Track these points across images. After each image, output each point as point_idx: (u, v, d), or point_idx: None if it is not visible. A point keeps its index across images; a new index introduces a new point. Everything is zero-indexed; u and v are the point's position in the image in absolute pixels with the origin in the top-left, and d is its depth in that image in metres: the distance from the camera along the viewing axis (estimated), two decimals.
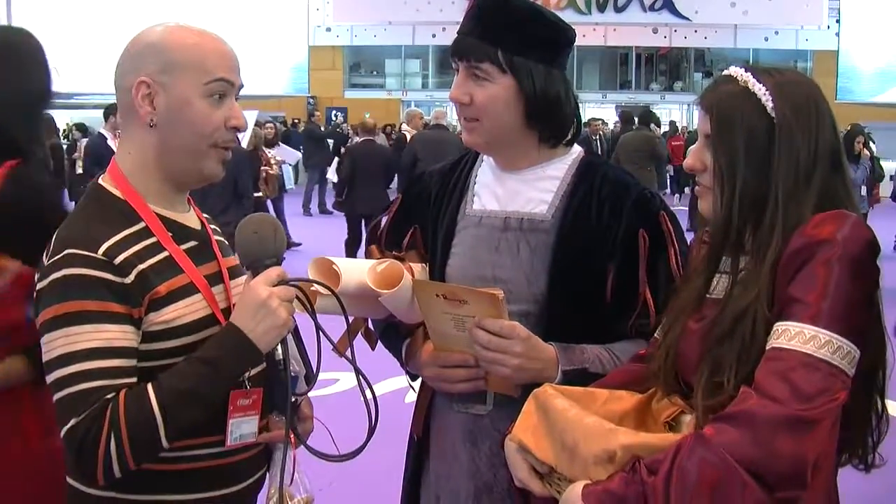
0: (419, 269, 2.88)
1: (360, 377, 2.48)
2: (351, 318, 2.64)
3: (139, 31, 2.45)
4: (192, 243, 2.48)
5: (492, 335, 2.56)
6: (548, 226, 2.80)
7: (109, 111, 13.73)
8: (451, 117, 18.79)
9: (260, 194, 16.09)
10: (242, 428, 2.45)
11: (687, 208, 19.68)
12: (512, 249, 2.81)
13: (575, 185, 2.83)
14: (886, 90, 35.95)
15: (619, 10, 38.50)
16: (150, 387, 2.20)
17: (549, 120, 2.78)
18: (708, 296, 2.37)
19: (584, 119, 20.07)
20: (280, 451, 2.57)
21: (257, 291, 2.30)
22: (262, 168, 16.65)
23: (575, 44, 2.92)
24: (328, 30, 41.45)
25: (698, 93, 2.41)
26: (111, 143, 13.49)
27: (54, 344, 2.20)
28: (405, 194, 3.18)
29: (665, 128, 26.47)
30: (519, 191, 2.86)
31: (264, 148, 17.35)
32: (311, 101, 40.01)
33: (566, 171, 2.86)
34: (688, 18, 38.46)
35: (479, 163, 3.01)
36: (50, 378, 2.22)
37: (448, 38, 2.92)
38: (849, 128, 14.55)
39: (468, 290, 2.58)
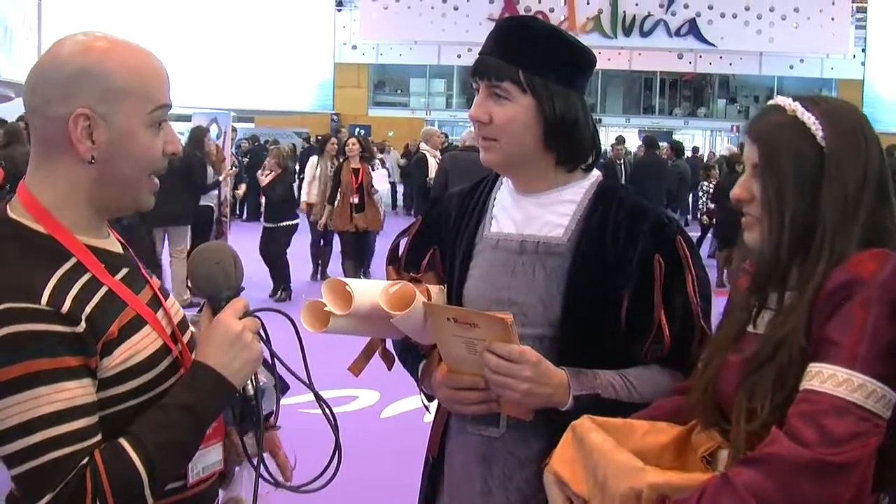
0: (437, 290, 2.88)
1: (322, 403, 2.44)
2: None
3: (58, 42, 2.19)
4: (125, 270, 2.26)
5: (501, 359, 2.56)
6: (563, 249, 2.80)
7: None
8: None
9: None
10: (205, 459, 2.35)
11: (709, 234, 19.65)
12: (527, 273, 2.81)
13: (591, 209, 2.83)
14: None
15: (644, 34, 38.54)
16: (125, 444, 2.03)
17: (567, 142, 2.78)
18: (750, 330, 2.35)
19: (604, 143, 20.21)
20: (242, 468, 2.58)
21: (231, 325, 2.19)
22: (350, 198, 14.34)
23: (600, 67, 2.88)
24: (354, 47, 41.68)
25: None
26: None
27: (7, 412, 1.96)
28: (425, 216, 3.18)
29: (688, 153, 26.42)
30: (536, 214, 2.86)
31: (366, 166, 15.07)
32: (334, 118, 39.97)
33: (583, 195, 2.86)
34: (713, 45, 38.46)
35: (497, 185, 3.02)
36: (5, 451, 1.99)
37: (474, 58, 2.96)
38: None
39: (478, 314, 2.58)
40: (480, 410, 2.76)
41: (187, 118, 19.26)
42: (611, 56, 37.02)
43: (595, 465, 2.26)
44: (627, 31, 38.82)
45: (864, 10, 38.63)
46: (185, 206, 13.28)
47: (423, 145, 18.68)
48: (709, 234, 18.66)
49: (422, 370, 2.98)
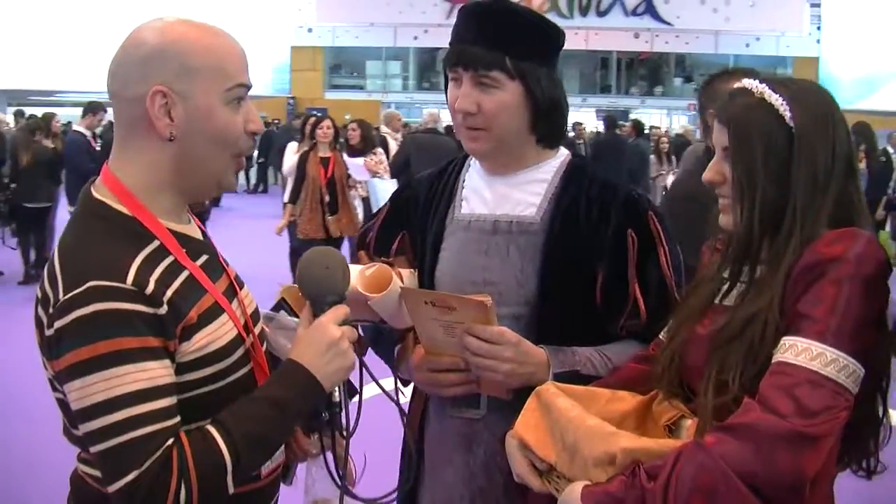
0: (408, 274, 2.87)
1: (404, 417, 2.50)
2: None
3: (136, 28, 2.21)
4: (205, 257, 2.31)
5: (482, 341, 2.56)
6: (537, 228, 2.81)
7: (89, 108, 13.39)
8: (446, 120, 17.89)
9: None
10: None
11: None
12: (501, 252, 2.82)
13: (563, 187, 2.85)
14: (866, 97, 35.89)
15: (601, 14, 38.57)
16: (213, 430, 2.06)
17: (553, 123, 2.81)
18: (718, 303, 2.40)
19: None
20: (311, 466, 2.62)
21: (330, 331, 2.22)
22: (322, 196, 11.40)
23: None
24: (310, 30, 41.27)
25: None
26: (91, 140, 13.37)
27: (91, 389, 1.98)
28: (393, 200, 3.18)
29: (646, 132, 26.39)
30: (507, 194, 2.87)
31: (337, 154, 11.98)
32: (290, 101, 39.91)
33: (553, 174, 2.88)
34: (670, 24, 38.56)
35: (466, 168, 3.03)
36: (88, 427, 2.00)
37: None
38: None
39: (456, 298, 2.58)
40: (460, 391, 2.77)
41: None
42: (567, 36, 36.89)
43: (564, 430, 2.29)
44: (584, 11, 38.79)
45: None
46: None
47: (383, 128, 18.30)
48: None
49: (397, 354, 2.97)
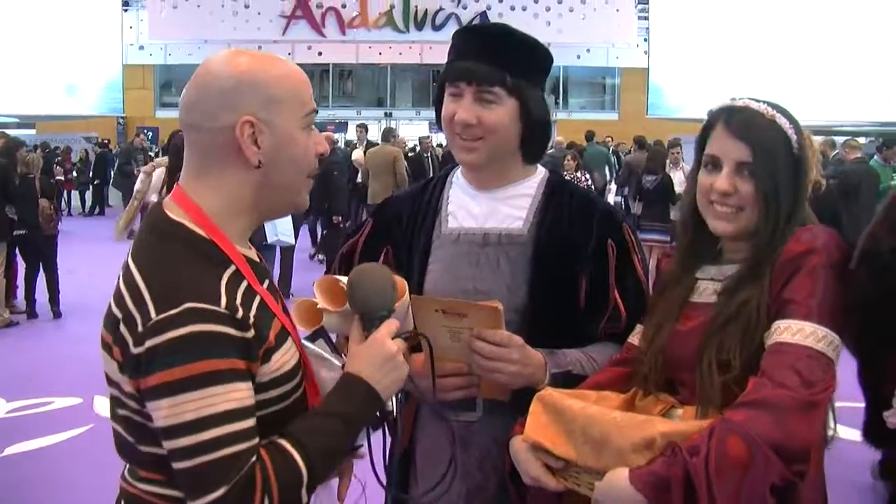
0: None
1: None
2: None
3: (205, 64, 2.25)
4: (267, 282, 2.31)
5: (493, 345, 2.68)
6: (525, 240, 2.95)
7: None
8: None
9: None
10: None
11: None
12: (492, 263, 2.94)
13: (546, 202, 3.00)
14: (689, 106, 36.66)
15: (437, 28, 38.06)
16: (288, 445, 2.10)
17: (539, 141, 2.97)
18: (696, 301, 2.64)
19: (398, 136, 20.87)
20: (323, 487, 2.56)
21: (387, 345, 2.27)
22: None
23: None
24: (141, 48, 39.47)
25: None
26: None
27: (182, 408, 1.99)
28: (376, 217, 3.25)
29: None
30: (495, 209, 3.00)
31: None
32: (120, 121, 38.80)
33: (536, 189, 3.03)
34: None
35: (448, 185, 3.14)
36: (175, 444, 2.02)
37: None
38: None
39: (468, 304, 2.69)
40: (461, 395, 2.87)
41: None
42: (402, 50, 37.23)
43: (585, 426, 2.41)
44: (420, 25, 38.31)
45: (647, 2, 39.60)
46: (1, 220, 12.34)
47: None
48: None
49: None
